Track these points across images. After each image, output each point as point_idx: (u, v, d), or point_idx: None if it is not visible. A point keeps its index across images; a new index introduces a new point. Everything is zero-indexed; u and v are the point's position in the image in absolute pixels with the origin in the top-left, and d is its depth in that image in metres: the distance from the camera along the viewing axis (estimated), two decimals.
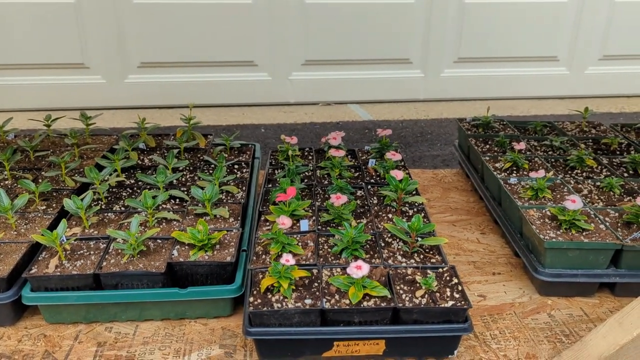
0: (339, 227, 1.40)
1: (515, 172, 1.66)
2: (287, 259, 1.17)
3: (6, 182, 1.62)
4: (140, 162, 1.74)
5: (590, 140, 1.91)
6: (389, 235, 1.39)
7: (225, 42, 3.01)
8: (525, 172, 1.65)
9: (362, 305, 1.14)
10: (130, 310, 1.28)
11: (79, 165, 1.69)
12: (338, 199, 1.41)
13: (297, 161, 1.73)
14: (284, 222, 1.29)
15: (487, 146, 1.86)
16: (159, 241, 1.36)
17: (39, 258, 1.28)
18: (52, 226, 1.41)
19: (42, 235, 1.26)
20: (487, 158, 1.74)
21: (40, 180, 1.60)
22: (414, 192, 1.56)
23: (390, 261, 1.29)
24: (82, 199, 1.39)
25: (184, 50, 3.01)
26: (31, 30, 2.85)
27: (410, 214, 1.49)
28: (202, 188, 1.46)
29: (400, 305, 1.14)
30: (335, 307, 1.14)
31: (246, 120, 3.00)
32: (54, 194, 1.56)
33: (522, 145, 1.72)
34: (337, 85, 3.19)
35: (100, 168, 1.60)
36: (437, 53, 3.17)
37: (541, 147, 1.86)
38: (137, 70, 3.03)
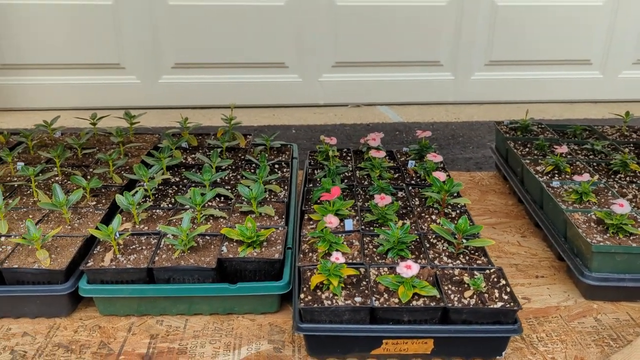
0: (383, 228, 1.42)
1: (557, 175, 1.66)
2: (337, 257, 1.20)
3: (56, 178, 1.67)
4: (183, 161, 1.78)
5: (632, 145, 1.90)
6: (434, 236, 1.40)
7: (256, 44, 3.05)
8: (567, 176, 1.64)
9: (411, 305, 1.15)
10: (180, 304, 1.32)
11: (125, 162, 1.73)
12: (382, 200, 1.43)
13: (336, 162, 1.75)
14: (331, 221, 1.31)
15: (527, 149, 1.86)
16: (208, 237, 1.39)
17: (94, 252, 1.32)
18: (104, 221, 1.45)
19: (98, 229, 1.30)
20: (528, 161, 1.74)
21: (89, 177, 1.64)
22: (456, 194, 1.57)
23: (436, 262, 1.30)
24: (133, 195, 1.43)
25: (216, 52, 3.06)
26: (71, 31, 2.92)
27: (453, 215, 1.50)
28: (247, 187, 1.49)
29: (450, 305, 1.15)
30: (385, 305, 1.16)
31: (277, 121, 3.03)
32: (103, 190, 1.61)
33: (564, 149, 1.72)
34: (366, 87, 3.21)
35: (146, 166, 1.64)
36: (467, 55, 3.16)
37: (582, 151, 1.86)
38: (171, 70, 3.09)
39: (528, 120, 2.02)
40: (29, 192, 1.59)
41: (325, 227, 1.31)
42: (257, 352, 1.22)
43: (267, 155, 1.82)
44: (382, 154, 1.68)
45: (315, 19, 3.01)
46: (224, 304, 1.32)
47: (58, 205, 1.40)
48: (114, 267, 1.27)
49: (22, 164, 1.70)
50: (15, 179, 1.65)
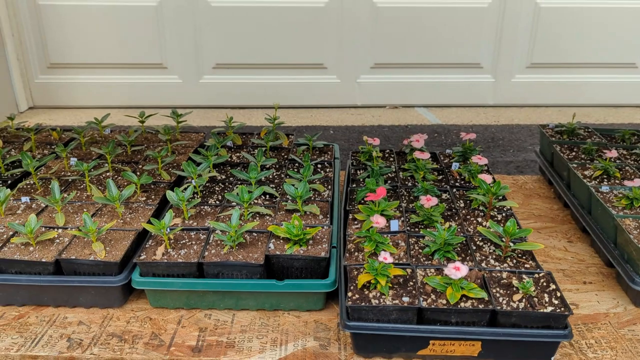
0: (428, 229, 1.42)
1: (605, 180, 1.63)
2: (385, 257, 1.20)
3: (107, 173, 1.73)
4: (229, 159, 1.81)
5: None
6: (480, 238, 1.40)
7: (296, 45, 3.08)
8: (616, 181, 1.61)
9: (459, 306, 1.15)
10: (228, 299, 1.34)
11: (173, 160, 1.78)
12: (428, 201, 1.43)
13: (379, 162, 1.75)
14: (378, 221, 1.32)
15: (573, 153, 1.83)
16: (255, 234, 1.42)
17: (146, 245, 1.37)
18: (154, 216, 1.50)
19: (151, 224, 1.34)
20: (575, 165, 1.71)
21: (138, 173, 1.69)
22: (501, 197, 1.56)
23: (483, 264, 1.30)
24: (183, 192, 1.46)
25: (256, 53, 3.10)
26: (116, 32, 3.01)
27: (499, 218, 1.49)
28: (293, 185, 1.52)
29: (499, 308, 1.14)
30: (432, 306, 1.16)
31: (315, 121, 3.05)
32: (152, 186, 1.66)
33: (613, 153, 1.69)
34: (404, 89, 3.20)
35: (193, 163, 1.68)
36: (508, 58, 3.12)
37: (631, 156, 1.82)
38: (212, 71, 3.14)
39: (574, 124, 1.98)
40: (82, 186, 1.65)
41: (372, 227, 1.32)
42: (303, 348, 1.24)
43: (310, 155, 1.84)
44: (427, 155, 1.68)
45: (355, 20, 3.02)
46: (271, 300, 1.34)
47: (111, 200, 1.45)
48: (165, 260, 1.31)
49: (75, 159, 1.76)
50: (70, 174, 1.71)
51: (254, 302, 1.35)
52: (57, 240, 1.38)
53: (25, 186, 1.63)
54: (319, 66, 3.14)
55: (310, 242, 1.37)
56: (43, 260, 1.30)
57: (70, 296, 1.34)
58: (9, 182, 1.66)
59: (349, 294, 1.20)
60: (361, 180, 1.70)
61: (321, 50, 3.09)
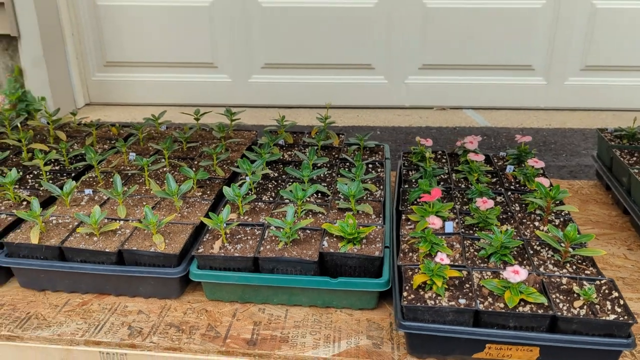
0: (484, 231, 1.40)
1: None
2: (442, 258, 1.20)
3: (164, 168, 1.78)
4: (281, 157, 1.84)
5: None
6: (537, 242, 1.37)
7: (344, 45, 3.09)
8: None
9: (517, 310, 1.14)
10: (281, 294, 1.36)
11: (227, 157, 1.82)
12: (484, 203, 1.41)
13: (432, 163, 1.74)
14: (434, 222, 1.31)
15: (634, 158, 1.77)
16: (308, 231, 1.43)
17: (204, 239, 1.40)
18: (210, 211, 1.53)
19: (209, 218, 1.38)
20: (637, 170, 1.65)
21: (194, 169, 1.74)
22: (558, 202, 1.52)
23: (541, 269, 1.27)
24: (239, 188, 1.49)
25: (304, 53, 3.13)
26: (170, 31, 3.09)
27: (557, 223, 1.46)
28: (346, 184, 1.52)
29: (559, 314, 1.12)
30: (490, 309, 1.14)
31: (361, 122, 3.05)
32: (208, 182, 1.70)
33: None
34: (453, 90, 3.16)
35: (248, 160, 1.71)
36: (561, 60, 3.04)
37: None
38: (261, 70, 3.19)
39: (635, 128, 1.92)
40: (141, 180, 1.71)
41: (428, 227, 1.32)
42: (356, 346, 1.24)
43: (361, 154, 1.84)
44: (481, 157, 1.66)
45: (404, 21, 3.01)
46: (323, 297, 1.35)
47: (170, 194, 1.50)
48: (222, 254, 1.34)
49: (134, 154, 1.82)
50: (129, 168, 1.77)
51: (306, 298, 1.36)
52: (119, 232, 1.43)
53: (87, 179, 1.70)
54: (367, 67, 3.14)
55: (364, 241, 1.38)
56: (107, 250, 1.35)
57: (131, 286, 1.39)
58: (73, 174, 1.73)
59: (404, 293, 1.20)
60: (413, 181, 1.69)
61: (369, 50, 3.09)
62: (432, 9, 2.98)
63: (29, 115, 2.72)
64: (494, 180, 1.70)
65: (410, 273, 1.26)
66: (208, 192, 1.64)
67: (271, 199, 1.60)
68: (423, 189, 1.54)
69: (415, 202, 1.56)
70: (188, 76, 3.23)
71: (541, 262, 1.30)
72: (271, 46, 3.12)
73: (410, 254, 1.34)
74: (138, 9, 3.06)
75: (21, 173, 1.65)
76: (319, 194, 1.63)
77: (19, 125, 1.87)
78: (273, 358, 1.22)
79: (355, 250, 1.33)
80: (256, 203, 1.57)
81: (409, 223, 1.48)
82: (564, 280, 1.22)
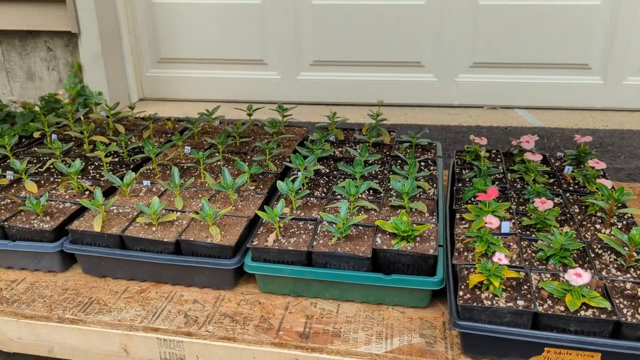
0: (542, 233, 1.36)
1: None
2: (500, 258, 1.18)
3: (218, 162, 1.82)
4: (332, 154, 1.84)
5: None
6: (599, 245, 1.32)
7: (394, 43, 3.07)
8: None
9: (579, 314, 1.10)
10: (333, 289, 1.37)
11: (279, 152, 1.83)
12: (543, 204, 1.38)
13: (486, 162, 1.71)
14: (492, 221, 1.29)
15: None
16: (361, 227, 1.43)
17: (258, 232, 1.42)
18: (263, 205, 1.55)
19: (265, 212, 1.40)
20: None
21: (247, 163, 1.76)
22: (621, 205, 1.46)
23: (604, 273, 1.23)
24: (292, 182, 1.51)
25: (353, 50, 3.12)
26: (222, 28, 3.15)
27: (619, 226, 1.40)
28: (399, 181, 1.51)
29: (624, 319, 1.08)
30: (549, 312, 1.12)
31: (409, 120, 3.02)
32: (260, 176, 1.72)
33: None
34: (504, 89, 3.09)
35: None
36: (621, 58, 2.92)
37: None
38: (309, 67, 3.20)
39: None
40: (196, 173, 1.75)
41: (484, 227, 1.29)
42: (409, 343, 1.24)
43: (413, 152, 1.83)
44: (539, 157, 1.62)
45: (455, 18, 2.96)
46: (375, 294, 1.35)
47: (226, 187, 1.53)
48: (277, 247, 1.35)
49: (189, 148, 1.87)
50: (184, 161, 1.82)
51: (358, 294, 1.36)
52: (177, 223, 1.47)
53: (145, 171, 1.75)
54: (416, 64, 3.11)
55: (418, 239, 1.37)
56: (165, 240, 1.39)
57: (187, 275, 1.42)
58: (131, 166, 1.79)
59: (460, 293, 1.18)
60: (467, 180, 1.66)
61: (419, 48, 3.06)
62: (484, 6, 2.92)
63: (87, 109, 2.83)
64: (551, 180, 1.65)
65: (466, 272, 1.25)
66: (261, 187, 1.66)
67: (323, 194, 1.61)
68: (478, 188, 1.51)
69: (469, 201, 1.53)
70: (238, 73, 3.28)
71: (603, 265, 1.26)
72: (320, 43, 3.13)
73: (465, 253, 1.32)
74: (191, 6, 3.13)
75: (83, 164, 1.72)
76: (371, 191, 1.63)
77: (82, 117, 1.95)
78: (326, 352, 1.23)
79: (409, 248, 1.33)
80: (308, 198, 1.58)
81: (463, 222, 1.46)
82: (628, 285, 1.18)
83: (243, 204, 1.57)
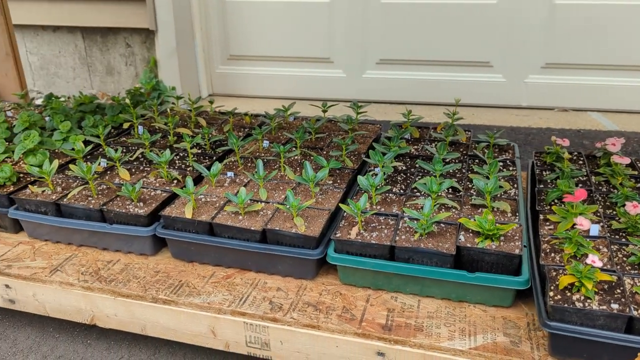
0: (633, 237, 1.33)
1: None
2: (594, 260, 1.16)
3: (296, 157, 1.86)
4: (407, 151, 1.85)
5: None
6: None
7: (462, 42, 3.04)
8: None
9: None
10: (413, 284, 1.39)
11: (355, 148, 1.86)
12: (635, 208, 1.34)
13: (569, 164, 1.68)
14: (583, 223, 1.27)
15: None
16: (442, 225, 1.44)
17: (340, 225, 1.46)
18: (342, 199, 1.59)
19: (347, 204, 1.43)
20: None
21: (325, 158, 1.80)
22: None
23: None
24: (373, 178, 1.53)
25: (420, 49, 3.12)
26: (290, 27, 3.21)
27: None
28: (481, 180, 1.51)
29: None
30: None
31: (476, 120, 2.99)
32: (337, 171, 1.75)
33: None
34: (577, 91, 3.01)
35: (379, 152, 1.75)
36: None
37: None
38: (375, 66, 3.22)
39: None
40: (276, 166, 1.80)
41: (575, 228, 1.28)
42: (493, 342, 1.24)
43: (492, 152, 1.81)
44: (627, 160, 1.58)
45: (528, 18, 2.90)
46: (457, 291, 1.36)
47: (307, 180, 1.57)
48: (359, 240, 1.38)
49: (268, 142, 1.92)
50: (263, 155, 1.87)
51: (439, 290, 1.37)
52: (261, 212, 1.52)
53: (228, 162, 1.82)
54: (485, 64, 3.07)
55: (502, 238, 1.36)
56: (252, 228, 1.44)
57: (271, 264, 1.47)
58: (214, 158, 1.86)
59: (551, 294, 1.17)
60: (549, 181, 1.64)
61: (488, 48, 3.02)
62: (559, 5, 2.86)
63: (161, 103, 2.95)
64: (639, 185, 1.60)
65: (555, 274, 1.24)
66: (339, 181, 1.69)
67: (401, 190, 1.63)
68: (562, 189, 1.49)
69: (552, 203, 1.51)
70: (304, 71, 3.33)
71: None
72: (387, 42, 3.14)
73: (552, 254, 1.31)
74: (262, 4, 3.21)
75: (173, 154, 1.80)
76: (449, 189, 1.63)
77: (168, 110, 2.04)
78: (409, 345, 1.25)
79: (494, 247, 1.32)
80: (387, 194, 1.60)
81: (548, 223, 1.44)
82: None
83: (323, 197, 1.61)
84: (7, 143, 1.84)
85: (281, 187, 1.66)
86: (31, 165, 1.70)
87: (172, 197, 1.62)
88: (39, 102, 2.92)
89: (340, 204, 1.46)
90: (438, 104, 3.18)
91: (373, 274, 1.40)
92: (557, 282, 1.20)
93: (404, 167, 1.77)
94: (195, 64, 3.33)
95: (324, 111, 2.10)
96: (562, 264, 1.26)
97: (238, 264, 1.51)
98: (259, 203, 1.55)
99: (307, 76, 3.33)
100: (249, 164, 1.82)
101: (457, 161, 1.78)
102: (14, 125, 1.95)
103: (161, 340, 1.54)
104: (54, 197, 1.60)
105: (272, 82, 3.38)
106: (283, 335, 1.32)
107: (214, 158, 1.86)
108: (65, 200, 1.58)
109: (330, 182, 1.70)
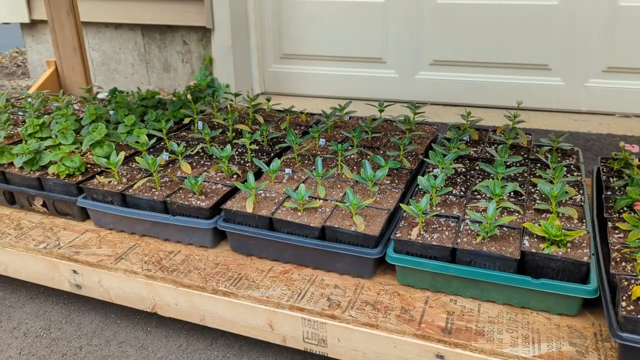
0: None
1: None
2: None
3: (352, 156, 1.87)
4: (467, 154, 1.83)
5: None
6: None
7: (519, 44, 2.97)
8: None
9: None
10: (473, 288, 1.36)
11: (413, 149, 1.85)
12: None
13: (638, 171, 1.62)
14: None
15: None
16: (505, 229, 1.41)
17: (399, 225, 1.45)
18: (400, 200, 1.58)
19: (407, 204, 1.42)
20: None
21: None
22: None
23: None
24: (435, 179, 1.52)
25: (475, 50, 3.06)
26: (344, 27, 3.22)
27: None
28: (547, 185, 1.47)
29: None
30: None
31: (532, 124, 2.91)
32: (394, 171, 1.74)
33: None
34: None
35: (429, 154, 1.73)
36: None
37: None
38: (428, 67, 3.19)
39: None
40: (332, 164, 1.81)
41: None
42: (558, 350, 1.20)
43: (556, 156, 1.77)
44: None
45: (590, 20, 2.81)
46: (519, 297, 1.33)
47: (366, 179, 1.57)
48: (420, 241, 1.37)
49: (324, 140, 1.93)
50: (319, 152, 1.88)
51: (500, 295, 1.35)
52: (320, 210, 1.53)
53: (285, 159, 1.84)
54: (543, 67, 2.99)
55: (568, 245, 1.32)
56: (311, 225, 1.45)
57: (328, 261, 1.48)
58: (271, 154, 1.89)
59: (623, 304, 1.13)
60: (616, 188, 1.58)
61: (547, 51, 2.94)
62: (624, 8, 2.75)
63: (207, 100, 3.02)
64: None
65: (626, 283, 1.19)
66: (396, 181, 1.68)
67: (461, 192, 1.60)
68: (632, 197, 1.44)
69: (621, 211, 1.46)
70: (355, 70, 3.33)
71: None
72: (441, 43, 3.10)
73: (623, 263, 1.26)
74: (316, 4, 3.23)
75: (234, 150, 1.83)
76: (510, 193, 1.60)
77: (228, 107, 2.08)
78: (469, 349, 1.23)
79: (560, 253, 1.29)
80: (446, 195, 1.58)
81: (617, 231, 1.39)
82: None
83: (380, 196, 1.60)
84: (75, 134, 1.91)
85: (338, 185, 1.67)
86: (98, 156, 1.77)
87: (232, 192, 1.65)
88: (100, 96, 3.03)
89: (401, 204, 1.45)
90: (493, 106, 3.12)
91: (432, 275, 1.39)
92: (630, 292, 1.15)
93: (463, 169, 1.74)
94: (248, 62, 3.38)
95: (381, 111, 2.09)
96: (635, 274, 1.21)
97: (296, 259, 1.52)
98: (318, 200, 1.56)
99: (358, 76, 3.33)
100: (306, 161, 1.83)
101: (518, 165, 1.74)
102: (81, 118, 2.03)
103: (218, 332, 1.57)
104: (120, 187, 1.66)
105: (323, 81, 3.39)
106: (341, 332, 1.32)
107: (272, 155, 1.88)
108: (130, 191, 1.64)
109: (388, 181, 1.69)
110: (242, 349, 1.53)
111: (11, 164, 1.82)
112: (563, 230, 1.32)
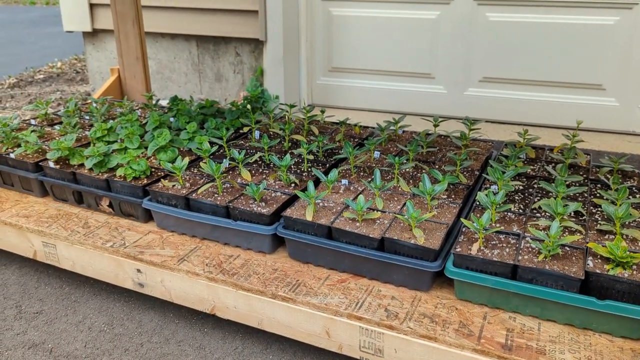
0: None
1: None
2: None
3: (408, 169, 1.88)
4: (525, 172, 1.82)
5: None
6: None
7: (572, 63, 2.94)
8: None
9: None
10: (533, 306, 1.35)
11: (469, 165, 1.85)
12: None
13: None
14: None
15: None
16: (567, 248, 1.40)
17: (459, 239, 1.46)
18: (459, 215, 1.58)
19: (469, 220, 1.43)
20: None
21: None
22: None
23: None
24: (495, 195, 1.52)
25: (526, 68, 3.04)
26: (394, 41, 3.25)
27: None
28: (609, 206, 1.46)
29: None
30: None
31: (584, 145, 2.86)
32: (451, 186, 1.75)
33: None
34: None
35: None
36: None
37: None
38: (478, 84, 3.18)
39: None
40: (389, 177, 1.83)
41: None
42: None
43: (619, 177, 1.74)
44: None
45: None
46: (581, 317, 1.31)
47: (425, 192, 1.58)
48: (480, 257, 1.37)
49: (379, 152, 1.96)
50: (374, 165, 1.91)
51: (561, 315, 1.33)
52: (378, 221, 1.55)
53: (341, 170, 1.87)
54: (596, 87, 2.95)
55: (634, 267, 1.30)
56: (370, 235, 1.48)
57: (385, 272, 1.49)
58: (327, 165, 1.92)
59: None
60: None
61: (600, 70, 2.90)
62: None
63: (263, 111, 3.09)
64: None
65: None
66: (453, 196, 1.69)
67: (520, 210, 1.60)
68: None
69: None
70: (404, 85, 3.35)
71: None
72: (492, 60, 3.10)
73: None
74: (366, 19, 3.28)
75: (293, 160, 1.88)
76: (571, 213, 1.58)
77: (286, 117, 2.13)
78: None
79: (626, 275, 1.27)
80: (505, 212, 1.58)
81: None
82: None
83: (438, 210, 1.61)
84: (140, 140, 2.00)
85: (395, 198, 1.69)
86: (163, 160, 1.84)
87: (291, 200, 1.69)
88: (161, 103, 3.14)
89: (462, 219, 1.46)
90: (542, 125, 3.08)
91: (490, 291, 1.39)
92: None
93: (520, 187, 1.74)
94: (298, 74, 3.45)
95: (435, 125, 2.10)
96: None
97: (352, 269, 1.54)
98: (376, 212, 1.58)
99: (407, 90, 3.35)
100: (362, 173, 1.86)
101: (578, 184, 1.73)
102: (145, 123, 2.12)
103: (273, 336, 1.61)
104: (184, 191, 1.72)
105: (371, 95, 3.43)
106: (398, 343, 1.34)
107: (327, 165, 1.92)
108: (194, 195, 1.70)
109: (445, 196, 1.70)
110: (297, 354, 1.56)
111: (81, 165, 1.91)
112: (628, 252, 1.31)
